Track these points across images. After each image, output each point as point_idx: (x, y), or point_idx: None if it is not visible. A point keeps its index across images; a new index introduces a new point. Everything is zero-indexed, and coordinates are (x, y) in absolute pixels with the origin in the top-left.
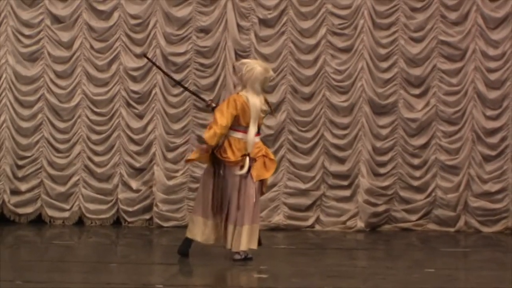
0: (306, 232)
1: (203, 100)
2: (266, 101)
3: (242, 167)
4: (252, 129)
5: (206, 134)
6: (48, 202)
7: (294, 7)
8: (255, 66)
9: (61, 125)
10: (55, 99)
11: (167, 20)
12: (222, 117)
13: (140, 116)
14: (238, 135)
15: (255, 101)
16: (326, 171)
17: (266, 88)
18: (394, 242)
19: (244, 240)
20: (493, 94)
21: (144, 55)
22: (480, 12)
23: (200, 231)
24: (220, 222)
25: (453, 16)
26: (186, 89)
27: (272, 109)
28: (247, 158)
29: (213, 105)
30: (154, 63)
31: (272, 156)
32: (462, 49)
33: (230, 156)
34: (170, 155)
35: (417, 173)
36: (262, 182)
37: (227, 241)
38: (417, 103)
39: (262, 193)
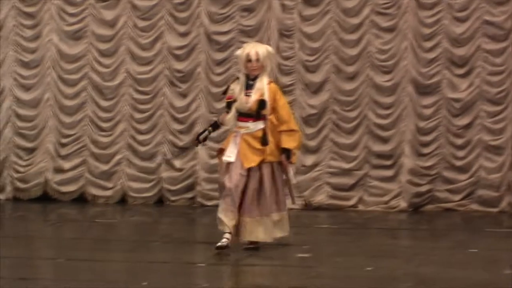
0: (348, 211)
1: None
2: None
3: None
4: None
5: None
6: (91, 180)
7: None
8: None
9: (105, 103)
10: (99, 77)
11: None
12: None
13: (184, 95)
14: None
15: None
16: (369, 151)
17: (246, 70)
18: (437, 222)
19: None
20: None
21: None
22: None
23: None
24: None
25: None
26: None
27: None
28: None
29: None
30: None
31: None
32: (506, 29)
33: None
34: (213, 134)
35: (461, 153)
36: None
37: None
38: (461, 83)
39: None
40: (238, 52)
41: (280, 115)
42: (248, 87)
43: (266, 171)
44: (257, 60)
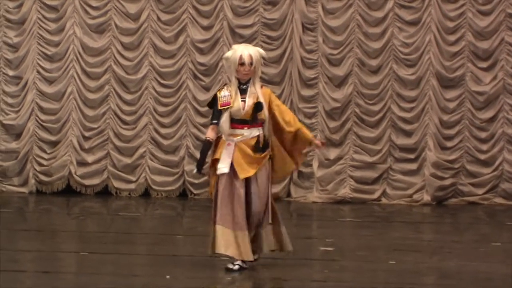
0: (372, 205)
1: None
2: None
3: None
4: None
5: None
6: (114, 173)
7: None
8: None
9: (128, 96)
10: (122, 70)
11: None
12: None
13: (207, 88)
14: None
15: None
16: (392, 144)
17: (237, 73)
18: (460, 216)
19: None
20: None
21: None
22: None
23: None
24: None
25: None
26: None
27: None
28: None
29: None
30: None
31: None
32: None
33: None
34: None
35: (484, 147)
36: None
37: None
38: (484, 76)
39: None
40: (228, 54)
41: (288, 118)
42: (242, 92)
43: (261, 179)
44: (250, 63)
